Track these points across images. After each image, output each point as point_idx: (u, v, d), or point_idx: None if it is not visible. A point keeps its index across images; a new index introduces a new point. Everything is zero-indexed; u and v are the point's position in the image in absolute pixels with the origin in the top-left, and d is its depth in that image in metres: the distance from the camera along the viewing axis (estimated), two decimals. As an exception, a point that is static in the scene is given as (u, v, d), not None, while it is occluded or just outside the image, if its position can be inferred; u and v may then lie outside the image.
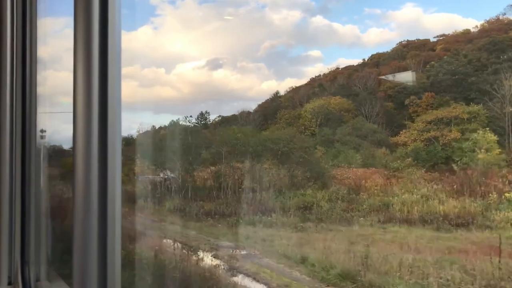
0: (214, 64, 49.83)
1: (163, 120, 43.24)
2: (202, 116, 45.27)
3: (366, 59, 69.58)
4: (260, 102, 55.27)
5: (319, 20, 52.22)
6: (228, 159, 24.09)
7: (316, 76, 67.88)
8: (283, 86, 58.82)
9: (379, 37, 59.39)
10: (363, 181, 24.69)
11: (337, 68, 68.87)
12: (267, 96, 55.18)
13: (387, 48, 63.86)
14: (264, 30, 48.38)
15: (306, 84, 64.61)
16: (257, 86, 54.67)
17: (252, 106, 53.06)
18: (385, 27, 59.50)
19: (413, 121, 49.27)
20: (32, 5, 2.92)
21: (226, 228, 17.07)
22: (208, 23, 41.87)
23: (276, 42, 52.43)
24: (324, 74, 68.07)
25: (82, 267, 1.22)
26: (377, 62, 69.77)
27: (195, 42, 42.22)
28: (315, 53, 59.35)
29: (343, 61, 60.75)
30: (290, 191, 23.68)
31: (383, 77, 61.28)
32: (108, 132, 1.23)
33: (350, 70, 67.06)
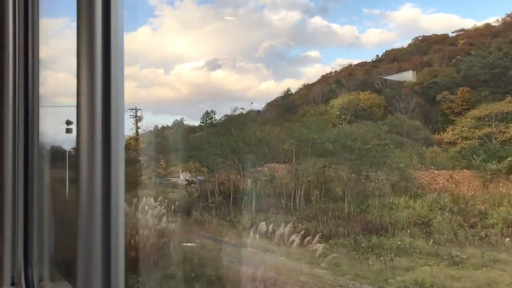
0: (213, 65, 48.83)
1: (162, 120, 44.25)
2: (208, 115, 45.07)
3: (380, 55, 67.84)
4: (260, 102, 54.75)
5: (317, 21, 51.29)
6: (298, 159, 18.95)
7: (327, 74, 65.85)
8: (282, 86, 58.19)
9: (378, 37, 58.45)
10: (461, 186, 19.76)
11: (350, 65, 66.79)
12: (266, 95, 54.55)
13: (386, 48, 63.54)
14: (263, 30, 47.28)
15: (319, 81, 63.04)
16: (255, 86, 53.41)
17: (252, 106, 52.39)
18: (384, 27, 58.87)
19: (447, 117, 47.28)
20: (34, 5, 2.87)
21: (350, 260, 11.63)
22: (206, 24, 41.18)
23: (275, 42, 51.35)
24: (335, 71, 65.95)
25: (86, 267, 1.20)
26: (394, 57, 67.81)
27: (193, 43, 41.25)
28: (313, 53, 58.63)
29: (342, 62, 60.28)
30: (371, 198, 18.66)
31: (389, 77, 59.92)
32: (111, 132, 1.21)
33: (366, 66, 65.10)
